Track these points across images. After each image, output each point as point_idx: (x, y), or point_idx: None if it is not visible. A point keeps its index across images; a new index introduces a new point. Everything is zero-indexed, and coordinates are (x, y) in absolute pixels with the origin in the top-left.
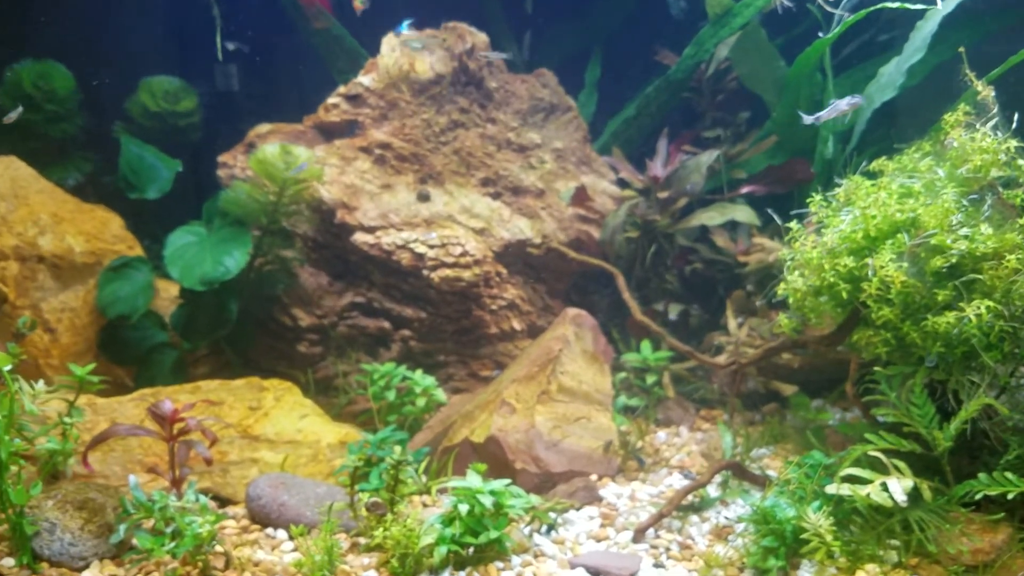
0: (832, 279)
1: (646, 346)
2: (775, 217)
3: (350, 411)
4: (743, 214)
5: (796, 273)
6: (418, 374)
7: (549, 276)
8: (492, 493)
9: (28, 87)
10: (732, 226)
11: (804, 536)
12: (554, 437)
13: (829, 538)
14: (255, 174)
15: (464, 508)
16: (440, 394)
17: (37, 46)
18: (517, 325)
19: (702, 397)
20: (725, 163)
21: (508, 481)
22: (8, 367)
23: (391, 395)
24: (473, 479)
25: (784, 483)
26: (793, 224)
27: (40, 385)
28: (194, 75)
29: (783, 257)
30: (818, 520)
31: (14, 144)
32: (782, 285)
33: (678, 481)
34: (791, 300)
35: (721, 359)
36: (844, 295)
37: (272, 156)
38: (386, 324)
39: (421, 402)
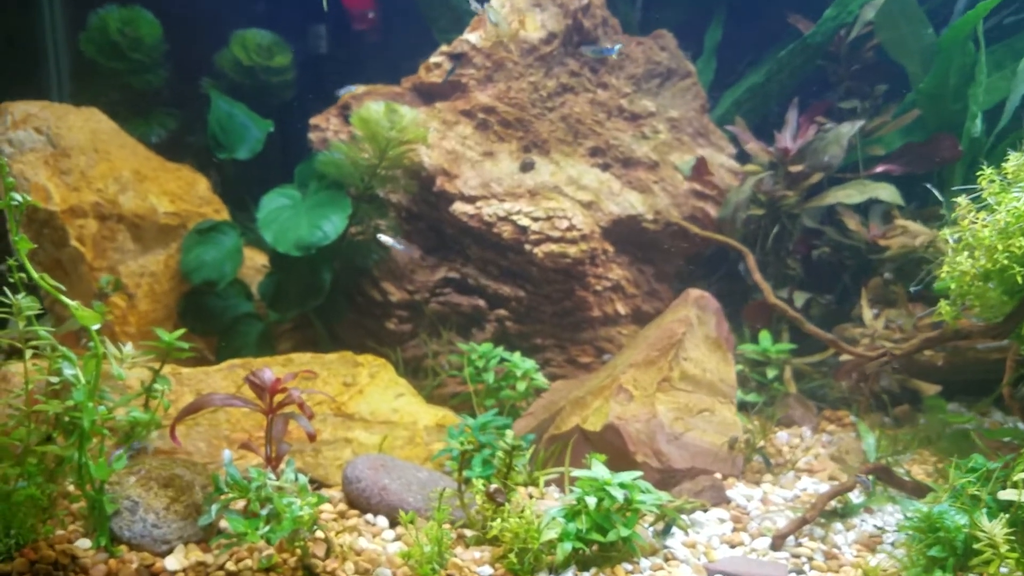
0: (1005, 261)
1: (765, 337)
2: (937, 194)
3: (439, 394)
4: (887, 193)
5: (965, 254)
6: (517, 356)
7: (658, 257)
8: (622, 486)
9: (113, 33)
10: (862, 209)
11: (977, 547)
12: (676, 429)
13: (1004, 548)
14: (351, 137)
15: (592, 501)
16: (541, 379)
17: None
18: (621, 309)
19: (825, 396)
20: (860, 138)
21: (638, 473)
22: (97, 326)
23: (489, 378)
24: (600, 470)
25: (949, 489)
26: (962, 200)
27: (128, 348)
28: (286, 32)
29: (944, 237)
30: (993, 528)
31: (95, 94)
32: (944, 268)
33: (811, 485)
34: (953, 285)
35: (860, 350)
36: (1019, 279)
37: (376, 114)
38: (481, 302)
39: (521, 386)
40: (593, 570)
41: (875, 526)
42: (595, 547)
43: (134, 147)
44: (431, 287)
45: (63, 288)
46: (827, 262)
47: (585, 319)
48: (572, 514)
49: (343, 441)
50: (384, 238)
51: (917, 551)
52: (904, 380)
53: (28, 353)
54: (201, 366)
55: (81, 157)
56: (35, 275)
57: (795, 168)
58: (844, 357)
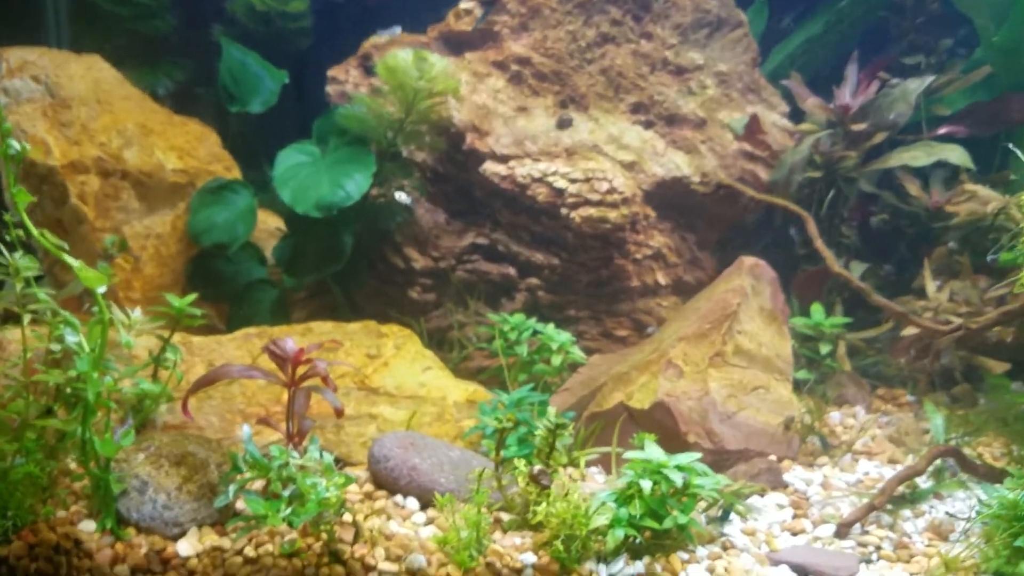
0: None
1: (818, 310)
2: (1021, 155)
3: (465, 368)
4: (955, 155)
5: None
6: (551, 328)
7: (701, 224)
8: (680, 469)
9: None
10: (922, 173)
11: None
12: (728, 408)
13: None
14: (372, 90)
15: (646, 485)
16: (578, 352)
17: None
18: (662, 279)
19: (879, 373)
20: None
21: (697, 455)
22: (103, 289)
23: (522, 351)
24: (654, 450)
25: None
26: None
27: (136, 313)
28: None
29: (1021, 202)
30: None
31: (97, 41)
32: None
33: (873, 469)
34: None
35: (931, 323)
36: None
37: (404, 62)
38: (511, 271)
39: (556, 360)
40: (646, 559)
41: (947, 513)
42: (647, 534)
43: (139, 98)
44: (458, 254)
45: (65, 246)
46: (884, 230)
47: (622, 289)
48: (624, 499)
49: (367, 417)
50: (400, 195)
51: (1001, 541)
52: (968, 357)
53: (26, 318)
54: (212, 335)
55: (82, 109)
56: (34, 232)
57: (857, 127)
58: (906, 331)
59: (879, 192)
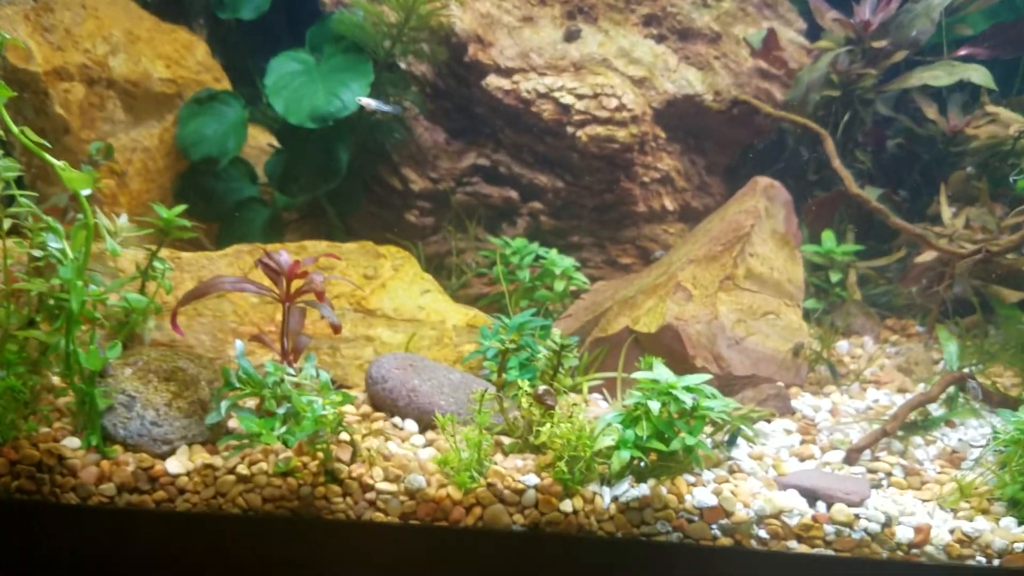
0: None
1: (829, 237)
2: None
3: (464, 295)
4: (978, 75)
5: None
6: (554, 253)
7: (711, 147)
8: (688, 390)
9: None
10: (939, 97)
11: None
12: (737, 333)
13: None
14: None
15: (655, 406)
16: (581, 278)
17: None
18: (669, 204)
19: (889, 303)
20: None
21: (707, 376)
22: (87, 191)
23: (524, 276)
24: (663, 371)
25: None
26: None
27: (123, 219)
28: None
29: None
30: None
31: None
32: None
33: (882, 397)
34: None
35: (949, 245)
36: None
37: None
38: (513, 194)
39: (559, 286)
40: (651, 482)
41: (959, 440)
42: (653, 456)
43: (125, 4)
44: (457, 175)
45: (47, 144)
46: (899, 156)
47: (628, 215)
48: (631, 420)
49: (364, 339)
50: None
51: (1016, 467)
52: (981, 286)
53: (6, 223)
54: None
55: (66, 13)
56: (14, 129)
57: (877, 44)
58: (920, 259)
59: (895, 116)
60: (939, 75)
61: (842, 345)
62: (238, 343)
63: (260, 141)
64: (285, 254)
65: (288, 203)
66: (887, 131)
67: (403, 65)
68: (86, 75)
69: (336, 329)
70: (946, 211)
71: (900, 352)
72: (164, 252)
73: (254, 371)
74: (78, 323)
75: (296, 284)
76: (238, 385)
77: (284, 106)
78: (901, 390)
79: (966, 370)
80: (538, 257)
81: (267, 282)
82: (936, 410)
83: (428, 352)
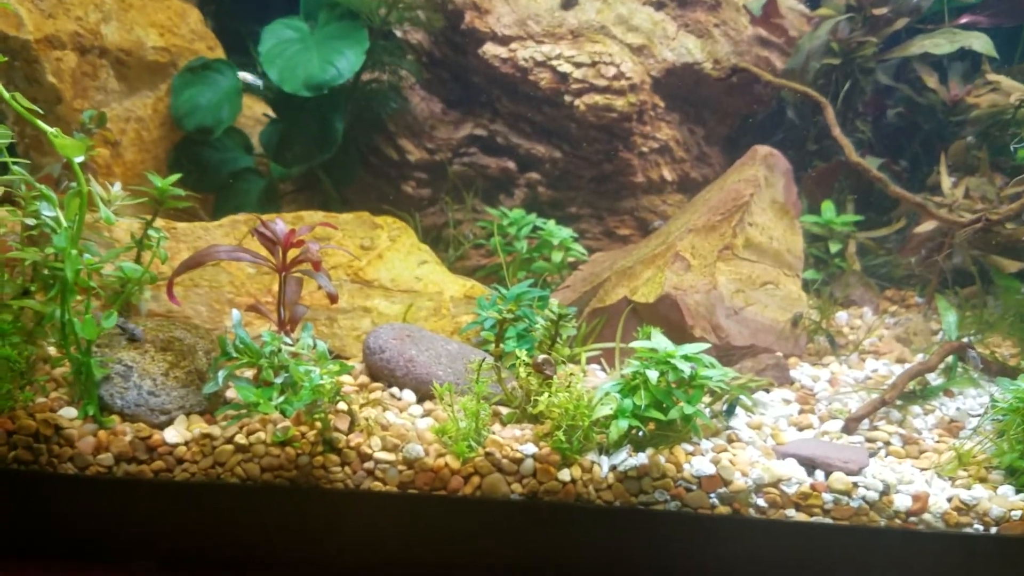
0: None
1: (828, 207)
2: None
3: (462, 266)
4: (980, 43)
5: None
6: (552, 224)
7: (710, 117)
8: (687, 359)
9: None
10: (939, 67)
11: None
12: (736, 303)
13: None
14: None
15: (653, 375)
16: (579, 249)
17: None
18: (668, 175)
19: (887, 274)
20: None
21: (705, 345)
22: (80, 158)
23: (521, 247)
24: (661, 340)
25: None
26: None
27: (117, 188)
28: None
29: None
30: None
31: None
32: None
33: (881, 367)
34: None
35: (948, 215)
36: None
37: None
38: (511, 164)
39: (557, 257)
40: (649, 451)
41: (958, 409)
42: (651, 426)
43: None
44: (454, 146)
45: (39, 111)
46: (899, 126)
47: (626, 185)
48: (629, 389)
49: (361, 310)
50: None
51: (1014, 436)
52: (980, 256)
53: None
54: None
55: None
56: (6, 95)
57: (878, 11)
58: (920, 228)
59: (896, 85)
60: (940, 43)
61: (841, 315)
62: (235, 312)
63: (255, 111)
64: (281, 223)
65: (284, 174)
66: (887, 100)
67: (399, 33)
68: (78, 43)
69: (333, 299)
70: (946, 181)
71: (899, 322)
72: (160, 222)
73: (251, 341)
74: (73, 292)
75: (292, 254)
76: (235, 355)
77: (279, 74)
78: (900, 360)
79: (965, 340)
80: (536, 228)
81: (264, 252)
82: (935, 380)
83: (425, 323)
